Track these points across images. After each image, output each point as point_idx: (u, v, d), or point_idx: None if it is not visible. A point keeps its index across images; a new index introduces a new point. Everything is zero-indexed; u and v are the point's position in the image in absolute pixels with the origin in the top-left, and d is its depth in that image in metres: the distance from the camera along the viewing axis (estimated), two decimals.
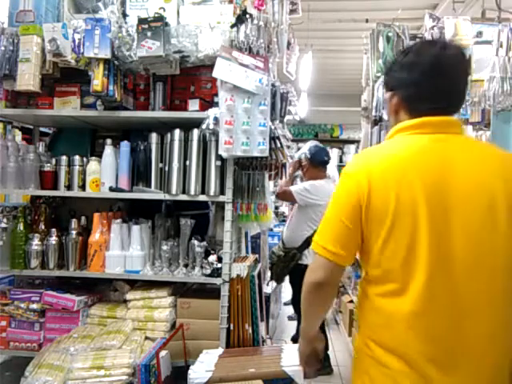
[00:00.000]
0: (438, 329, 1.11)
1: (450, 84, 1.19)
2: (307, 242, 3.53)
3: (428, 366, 1.10)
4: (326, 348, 3.70)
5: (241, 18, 2.48)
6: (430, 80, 1.17)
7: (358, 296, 1.34)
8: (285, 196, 3.64)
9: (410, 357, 1.12)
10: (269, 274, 4.45)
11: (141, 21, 2.50)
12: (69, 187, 2.79)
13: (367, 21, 5.03)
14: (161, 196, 2.71)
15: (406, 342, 1.13)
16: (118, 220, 2.77)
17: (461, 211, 1.10)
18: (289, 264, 3.54)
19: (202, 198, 2.67)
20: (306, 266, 3.70)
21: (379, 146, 1.37)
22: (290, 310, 5.19)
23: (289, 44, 3.06)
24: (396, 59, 1.30)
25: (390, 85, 1.30)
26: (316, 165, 3.63)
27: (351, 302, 4.35)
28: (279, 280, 3.82)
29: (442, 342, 1.11)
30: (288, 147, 2.71)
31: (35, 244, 2.73)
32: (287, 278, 3.81)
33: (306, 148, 3.73)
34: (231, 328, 2.58)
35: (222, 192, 2.64)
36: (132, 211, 3.10)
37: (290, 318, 5.09)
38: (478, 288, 1.11)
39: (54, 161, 2.81)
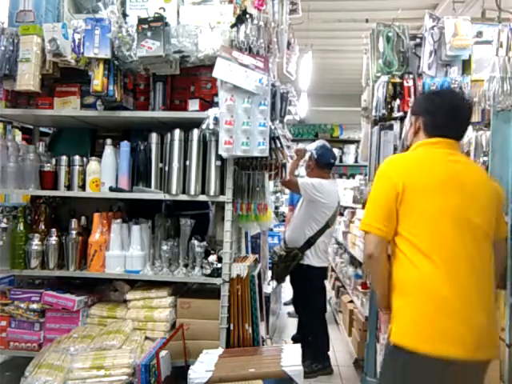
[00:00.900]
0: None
1: (461, 123, 1.79)
2: (309, 242, 3.53)
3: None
4: (327, 348, 3.70)
5: (241, 18, 2.48)
6: (449, 118, 1.74)
7: None
8: (289, 185, 3.58)
9: None
10: (269, 273, 4.46)
11: (141, 21, 2.50)
12: (69, 187, 2.79)
13: (367, 21, 5.03)
14: (161, 196, 2.71)
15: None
16: (118, 220, 2.77)
17: (470, 193, 1.62)
18: (290, 264, 3.53)
19: (202, 198, 2.67)
20: (307, 266, 3.70)
21: (407, 154, 1.87)
22: (290, 309, 5.19)
23: (289, 44, 3.06)
24: (427, 96, 1.92)
25: (417, 111, 1.83)
26: (321, 166, 3.62)
27: (351, 302, 4.35)
28: (280, 280, 3.81)
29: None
30: (288, 147, 2.71)
31: (35, 244, 2.73)
32: (287, 278, 3.80)
33: (313, 146, 3.71)
34: (231, 328, 2.58)
35: (222, 192, 2.64)
36: (132, 211, 3.10)
37: (290, 315, 5.09)
38: (482, 246, 1.61)
39: (53, 161, 2.81)
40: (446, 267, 1.53)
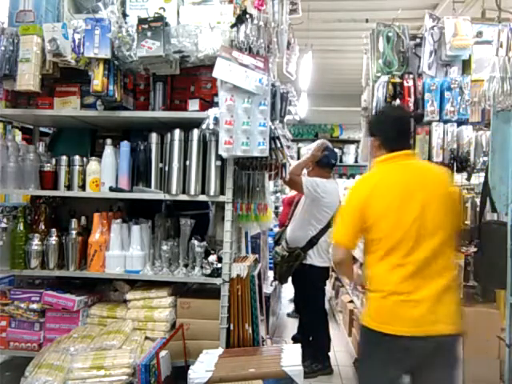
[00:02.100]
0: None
1: (405, 132, 2.05)
2: (311, 242, 3.52)
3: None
4: (328, 348, 3.70)
5: (241, 18, 2.48)
6: (397, 132, 2.00)
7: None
8: (293, 184, 3.53)
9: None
10: (269, 273, 4.45)
11: (141, 21, 2.50)
12: (69, 187, 2.79)
13: (367, 21, 5.03)
14: (161, 196, 2.71)
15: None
16: (118, 220, 2.77)
17: (417, 199, 1.87)
18: (293, 264, 3.52)
19: (202, 198, 2.67)
20: (310, 266, 3.68)
21: (371, 173, 2.08)
22: (290, 309, 5.19)
23: (289, 44, 3.06)
24: (375, 118, 2.25)
25: (372, 132, 2.11)
26: (322, 166, 3.62)
27: (351, 302, 4.35)
28: (283, 280, 3.80)
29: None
30: (288, 147, 2.71)
31: (35, 244, 2.73)
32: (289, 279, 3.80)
33: (314, 146, 3.71)
34: (231, 328, 2.58)
35: (222, 192, 2.64)
36: (132, 211, 3.10)
37: (290, 315, 5.08)
38: (431, 244, 1.84)
39: (53, 161, 2.82)
40: (402, 267, 1.83)
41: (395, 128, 2.01)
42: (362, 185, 2.04)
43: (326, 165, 3.63)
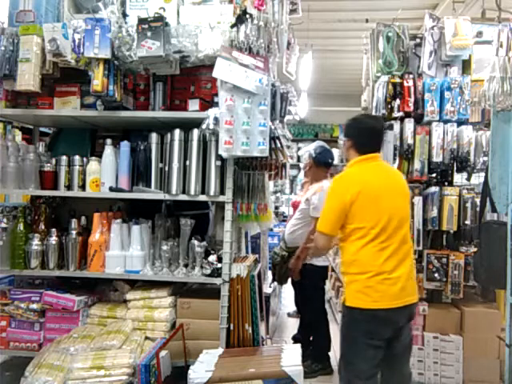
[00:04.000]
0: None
1: (378, 139, 2.34)
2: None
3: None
4: (328, 349, 3.70)
5: (241, 18, 2.48)
6: (369, 138, 2.30)
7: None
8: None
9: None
10: (269, 274, 4.45)
11: (141, 21, 2.50)
12: (69, 187, 2.79)
13: (367, 21, 5.02)
14: (161, 196, 2.71)
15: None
16: (118, 220, 2.77)
17: (390, 194, 2.21)
18: None
19: (202, 198, 2.67)
20: (310, 266, 3.67)
21: (348, 171, 2.31)
22: (289, 309, 5.18)
23: (289, 44, 3.06)
24: (351, 123, 2.38)
25: (346, 134, 2.38)
26: (319, 165, 3.62)
27: None
28: (283, 281, 3.79)
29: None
30: (288, 147, 2.71)
31: (35, 244, 2.73)
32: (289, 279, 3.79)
33: (311, 147, 3.72)
34: (231, 328, 2.58)
35: (222, 192, 2.64)
36: (132, 211, 3.09)
37: (290, 315, 5.08)
38: (402, 231, 2.19)
39: (53, 161, 2.82)
40: (383, 251, 2.12)
41: (368, 135, 2.31)
42: (345, 181, 2.27)
43: (322, 164, 3.63)
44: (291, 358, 2.36)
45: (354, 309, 2.16)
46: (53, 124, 3.30)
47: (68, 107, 2.75)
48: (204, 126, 2.52)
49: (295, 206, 4.10)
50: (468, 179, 3.26)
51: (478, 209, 2.93)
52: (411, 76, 3.08)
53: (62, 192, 2.80)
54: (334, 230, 2.22)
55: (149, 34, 2.47)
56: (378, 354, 2.15)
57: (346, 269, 2.25)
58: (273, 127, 2.57)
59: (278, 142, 2.60)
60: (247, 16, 2.48)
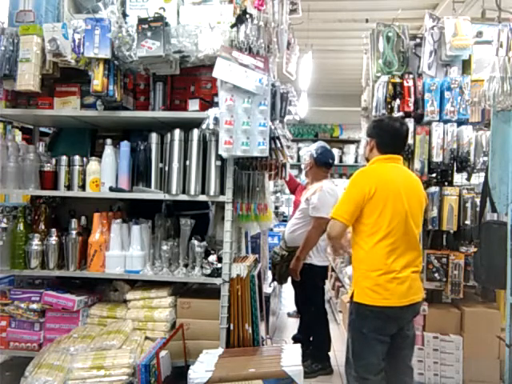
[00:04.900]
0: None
1: (401, 141, 2.39)
2: None
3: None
4: (328, 349, 3.70)
5: (241, 18, 2.48)
6: (392, 139, 2.36)
7: None
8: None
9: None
10: (269, 274, 4.44)
11: (141, 21, 2.50)
12: (69, 187, 2.79)
13: (367, 21, 5.02)
14: (161, 196, 2.71)
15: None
16: (118, 220, 2.77)
17: (405, 197, 2.24)
18: None
19: (202, 198, 2.67)
20: (310, 265, 3.67)
21: (370, 167, 2.37)
22: (289, 309, 5.18)
23: (289, 44, 3.06)
24: (375, 123, 2.45)
25: (370, 134, 2.43)
26: (320, 165, 3.62)
27: None
28: (282, 281, 3.79)
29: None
30: (288, 147, 2.71)
31: (35, 244, 2.73)
32: (289, 279, 3.79)
33: (312, 147, 3.72)
34: (231, 328, 2.58)
35: (222, 192, 2.64)
36: (132, 211, 3.10)
37: (290, 315, 5.08)
38: (412, 237, 2.25)
39: (53, 161, 2.81)
40: (394, 251, 2.19)
41: (391, 136, 2.36)
42: (367, 175, 2.32)
43: (323, 164, 3.63)
44: (291, 357, 2.36)
45: (363, 305, 2.24)
46: (53, 124, 3.30)
47: (68, 107, 2.75)
48: (204, 126, 2.52)
49: (296, 204, 4.11)
50: (468, 179, 3.27)
51: (478, 209, 2.93)
52: (411, 76, 3.08)
53: (61, 192, 2.80)
54: (350, 219, 2.25)
55: (149, 33, 2.47)
56: (384, 348, 2.25)
57: (357, 265, 2.31)
58: (273, 127, 2.57)
59: (278, 142, 2.60)
60: (247, 16, 2.48)
